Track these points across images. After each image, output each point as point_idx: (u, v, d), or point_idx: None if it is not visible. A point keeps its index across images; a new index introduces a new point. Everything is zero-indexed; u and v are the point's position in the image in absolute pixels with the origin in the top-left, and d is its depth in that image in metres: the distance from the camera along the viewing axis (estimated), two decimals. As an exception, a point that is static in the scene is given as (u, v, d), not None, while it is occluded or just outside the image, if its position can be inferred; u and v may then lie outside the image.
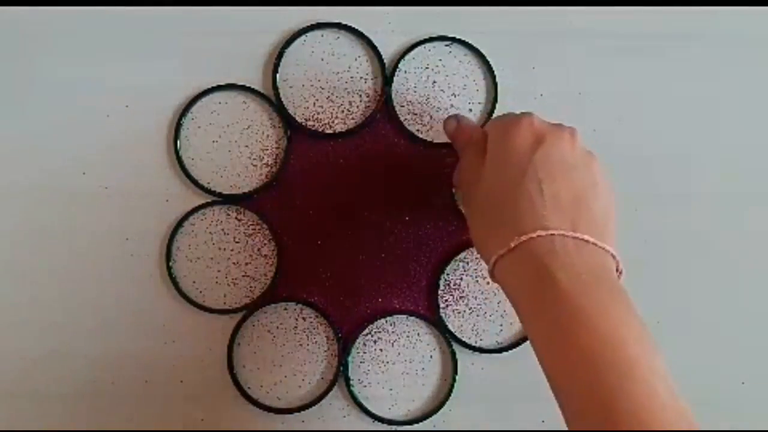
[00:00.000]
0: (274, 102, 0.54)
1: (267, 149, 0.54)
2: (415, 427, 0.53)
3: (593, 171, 0.41)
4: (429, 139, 0.54)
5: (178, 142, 0.53)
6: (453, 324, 0.54)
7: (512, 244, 0.38)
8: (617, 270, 0.39)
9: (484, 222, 0.41)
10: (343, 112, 0.54)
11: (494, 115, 0.54)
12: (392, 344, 0.54)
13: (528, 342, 0.54)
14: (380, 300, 0.54)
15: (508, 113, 0.44)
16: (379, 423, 0.53)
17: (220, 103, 0.54)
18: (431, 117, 0.55)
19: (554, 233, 0.37)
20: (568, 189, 0.39)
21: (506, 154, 0.41)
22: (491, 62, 0.54)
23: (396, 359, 0.54)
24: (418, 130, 0.54)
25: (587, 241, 0.38)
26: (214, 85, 0.53)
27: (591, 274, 0.36)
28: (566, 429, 0.36)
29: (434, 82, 0.55)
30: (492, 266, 0.40)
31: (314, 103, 0.54)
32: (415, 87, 0.55)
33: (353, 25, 0.54)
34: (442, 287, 0.54)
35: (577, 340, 0.34)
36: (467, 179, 0.44)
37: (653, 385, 0.32)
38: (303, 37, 0.54)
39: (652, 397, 0.32)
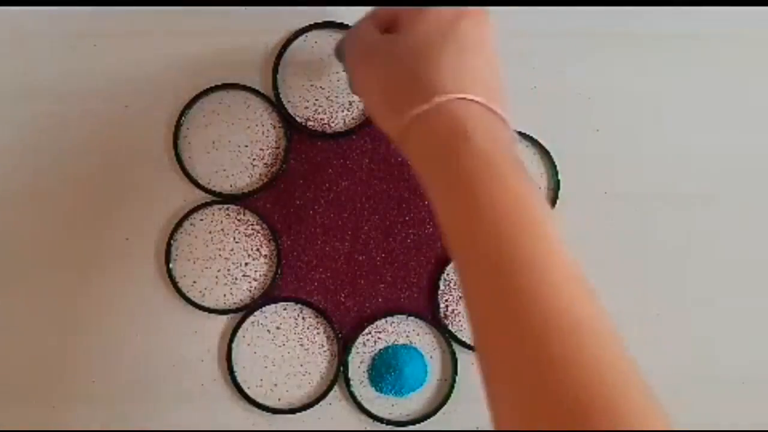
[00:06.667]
0: (274, 102, 0.54)
1: (267, 149, 0.54)
2: (416, 427, 0.53)
3: (494, 54, 0.41)
4: (429, 139, 0.54)
5: (178, 142, 0.53)
6: (453, 324, 0.54)
7: (436, 100, 0.37)
8: None
9: (395, 86, 0.40)
10: (343, 112, 0.54)
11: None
12: (392, 344, 0.54)
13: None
14: (380, 300, 0.54)
15: None
16: (379, 423, 0.53)
17: (220, 103, 0.54)
18: (431, 117, 0.55)
19: (475, 99, 0.38)
20: (484, 68, 0.40)
21: (425, 20, 0.40)
22: (491, 62, 0.54)
23: (396, 359, 0.54)
24: (418, 130, 0.54)
25: (501, 118, 0.38)
26: (214, 85, 0.53)
27: (504, 143, 0.37)
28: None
29: (434, 82, 0.55)
30: (404, 128, 0.39)
31: (314, 103, 0.54)
32: (415, 87, 0.55)
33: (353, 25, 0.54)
34: (442, 287, 0.54)
35: (490, 194, 0.35)
36: (368, 42, 0.42)
37: (552, 243, 0.34)
38: (303, 37, 0.54)
39: (552, 253, 0.34)
